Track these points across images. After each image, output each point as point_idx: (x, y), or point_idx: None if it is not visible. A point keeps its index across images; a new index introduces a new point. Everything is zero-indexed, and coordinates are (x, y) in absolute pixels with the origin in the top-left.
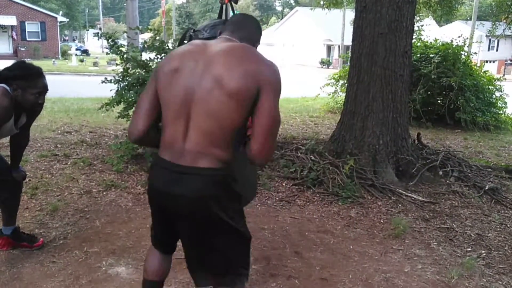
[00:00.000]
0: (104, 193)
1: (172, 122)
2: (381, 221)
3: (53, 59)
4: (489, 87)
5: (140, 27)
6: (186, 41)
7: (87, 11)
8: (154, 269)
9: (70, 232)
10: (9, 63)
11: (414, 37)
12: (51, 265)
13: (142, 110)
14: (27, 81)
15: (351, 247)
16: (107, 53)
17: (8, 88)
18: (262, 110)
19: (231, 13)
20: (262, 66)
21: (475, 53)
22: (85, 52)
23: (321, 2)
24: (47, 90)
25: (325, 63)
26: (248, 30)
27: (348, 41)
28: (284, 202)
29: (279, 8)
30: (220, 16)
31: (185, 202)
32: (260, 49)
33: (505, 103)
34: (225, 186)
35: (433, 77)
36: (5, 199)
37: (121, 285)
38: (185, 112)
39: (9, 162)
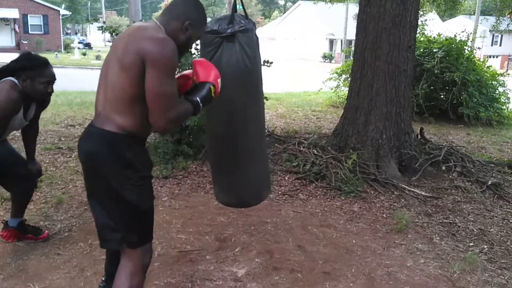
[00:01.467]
0: None
1: (97, 94)
2: (384, 215)
3: (56, 53)
4: (492, 82)
5: (143, 20)
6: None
7: (89, 4)
8: None
9: (74, 225)
10: (11, 56)
11: (417, 31)
12: (56, 257)
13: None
14: (35, 71)
15: (354, 241)
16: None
17: (15, 81)
18: (147, 86)
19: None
20: (148, 43)
21: (479, 48)
22: (88, 45)
23: None
24: (55, 79)
25: (328, 58)
26: (171, 12)
27: (351, 35)
28: (286, 196)
29: (281, 2)
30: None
31: (83, 156)
32: (262, 43)
33: (508, 98)
34: (115, 149)
35: (436, 72)
36: (17, 192)
37: None
38: (103, 85)
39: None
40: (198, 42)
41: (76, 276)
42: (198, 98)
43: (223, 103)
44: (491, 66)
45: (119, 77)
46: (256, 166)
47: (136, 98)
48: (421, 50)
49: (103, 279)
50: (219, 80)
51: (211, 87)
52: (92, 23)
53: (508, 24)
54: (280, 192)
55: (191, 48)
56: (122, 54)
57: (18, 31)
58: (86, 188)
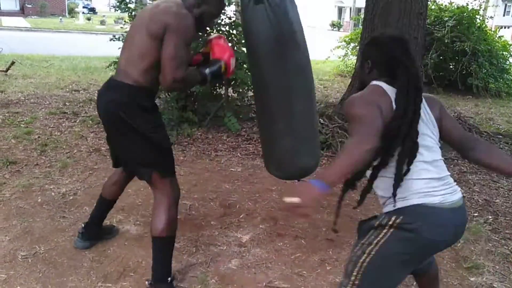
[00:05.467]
0: None
1: (121, 54)
2: None
3: (60, 17)
4: (503, 53)
5: None
6: None
7: None
8: (107, 188)
9: (79, 189)
10: (15, 20)
11: None
12: (62, 220)
13: None
14: None
15: (358, 210)
16: (115, 10)
17: None
18: (164, 47)
19: None
20: (172, 16)
21: (491, 17)
22: (92, 10)
23: None
24: None
25: (336, 26)
26: None
27: (360, 3)
28: None
29: None
30: None
31: (104, 104)
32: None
33: None
34: (135, 98)
35: (446, 41)
36: None
37: (130, 241)
38: (127, 47)
39: None
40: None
41: None
42: (207, 70)
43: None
44: (502, 36)
45: (145, 42)
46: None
47: (154, 61)
48: (432, 18)
49: (83, 225)
50: (232, 59)
51: (223, 64)
52: None
53: None
54: None
55: (207, 25)
56: (149, 24)
57: None
58: (107, 135)
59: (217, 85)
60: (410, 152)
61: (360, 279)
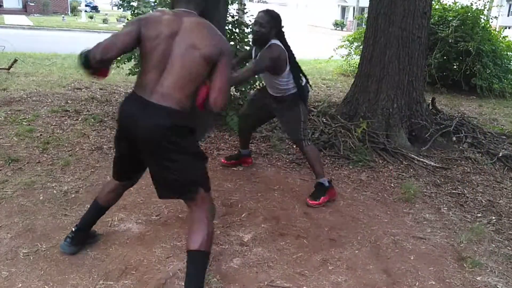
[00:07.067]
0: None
1: (150, 70)
2: (392, 185)
3: (63, 15)
4: (508, 53)
5: None
6: None
7: None
8: (104, 195)
9: (81, 187)
10: (18, 18)
11: None
12: (63, 218)
13: (117, 44)
14: None
15: (360, 210)
16: (118, 8)
17: None
18: (224, 72)
19: None
20: (223, 41)
21: (495, 17)
22: (95, 8)
23: None
24: None
25: (339, 25)
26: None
27: (364, 2)
28: (294, 164)
29: None
30: None
31: (148, 129)
32: (273, 9)
33: None
34: (179, 122)
35: (450, 41)
36: None
37: (132, 239)
38: (162, 64)
39: None
40: None
41: None
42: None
43: None
44: (506, 36)
45: (198, 64)
46: None
47: (199, 84)
48: (436, 18)
49: (73, 229)
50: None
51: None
52: None
53: None
54: (288, 160)
55: None
56: (201, 45)
57: None
58: (146, 159)
59: None
60: None
61: None
